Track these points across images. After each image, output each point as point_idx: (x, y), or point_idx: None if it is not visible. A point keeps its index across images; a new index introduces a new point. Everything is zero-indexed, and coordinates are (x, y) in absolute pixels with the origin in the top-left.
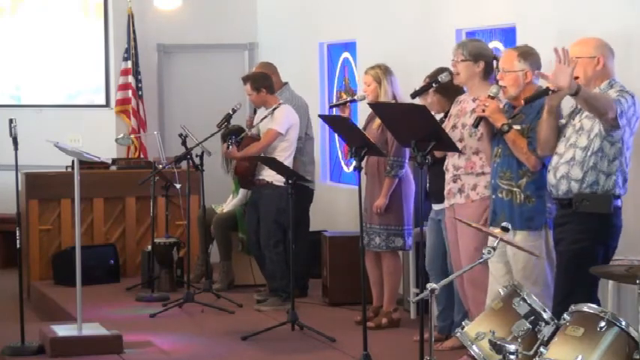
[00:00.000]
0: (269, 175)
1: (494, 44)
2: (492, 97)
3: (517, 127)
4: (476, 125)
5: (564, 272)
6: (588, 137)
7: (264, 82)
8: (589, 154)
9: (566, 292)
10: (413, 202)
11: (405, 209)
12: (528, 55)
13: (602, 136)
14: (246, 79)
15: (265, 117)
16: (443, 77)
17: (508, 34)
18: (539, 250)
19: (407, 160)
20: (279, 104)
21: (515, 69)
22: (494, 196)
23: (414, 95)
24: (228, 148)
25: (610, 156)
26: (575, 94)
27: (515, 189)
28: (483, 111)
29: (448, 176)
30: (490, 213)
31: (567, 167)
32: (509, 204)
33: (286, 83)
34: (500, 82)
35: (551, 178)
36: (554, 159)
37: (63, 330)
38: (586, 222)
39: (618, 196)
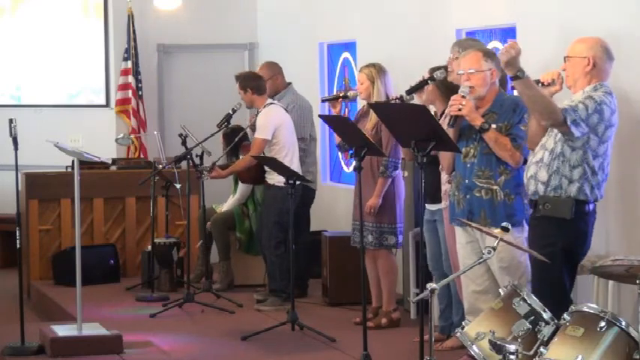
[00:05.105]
0: (271, 178)
1: (494, 44)
2: (463, 97)
3: (493, 125)
4: (452, 124)
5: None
6: (554, 140)
7: (251, 83)
8: (553, 157)
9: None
10: (403, 200)
11: (397, 207)
12: (492, 54)
13: (563, 139)
14: (236, 78)
15: (252, 124)
16: (438, 74)
17: (508, 34)
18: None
19: (399, 160)
20: (265, 106)
21: (483, 69)
22: (468, 196)
23: (409, 92)
24: (202, 176)
25: (572, 161)
26: (515, 77)
27: (494, 187)
28: (460, 110)
29: (444, 177)
30: (464, 213)
31: (536, 168)
32: (489, 202)
33: (290, 84)
34: (467, 83)
35: (523, 177)
36: (529, 158)
37: (63, 330)
38: (548, 226)
39: (585, 202)
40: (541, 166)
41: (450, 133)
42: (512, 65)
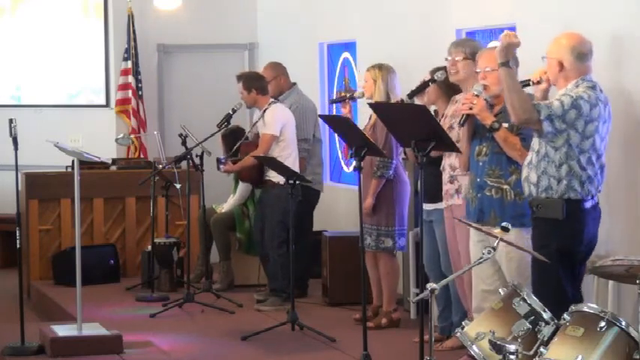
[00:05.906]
0: (275, 176)
1: (494, 44)
2: (476, 96)
3: (505, 124)
4: (463, 123)
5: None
6: (538, 141)
7: (256, 83)
8: (539, 158)
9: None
10: (407, 202)
11: (397, 210)
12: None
13: (545, 140)
14: (239, 78)
15: (257, 122)
16: (439, 75)
17: None
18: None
19: (394, 161)
20: (269, 105)
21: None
22: (479, 195)
23: (411, 95)
24: (218, 169)
25: (556, 161)
26: (504, 64)
27: (505, 186)
28: (471, 109)
29: (445, 177)
30: (476, 212)
31: (527, 170)
32: (499, 202)
33: (294, 84)
34: (482, 81)
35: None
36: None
37: (63, 330)
38: (544, 227)
39: (579, 200)
40: (531, 168)
41: (463, 131)
42: (507, 52)
